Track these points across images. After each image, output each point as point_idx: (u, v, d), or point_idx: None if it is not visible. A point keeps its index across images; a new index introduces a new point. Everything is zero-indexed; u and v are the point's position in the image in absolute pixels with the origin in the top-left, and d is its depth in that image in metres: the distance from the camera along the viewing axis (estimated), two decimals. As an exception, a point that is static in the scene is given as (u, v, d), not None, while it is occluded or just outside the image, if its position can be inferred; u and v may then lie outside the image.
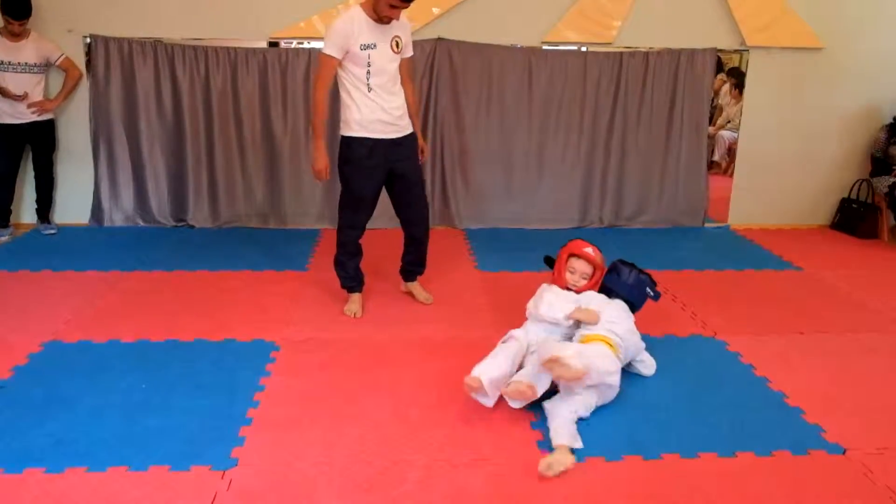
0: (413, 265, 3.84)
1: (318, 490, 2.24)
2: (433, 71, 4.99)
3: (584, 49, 5.13)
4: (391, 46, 3.35)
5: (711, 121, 5.47)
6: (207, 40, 4.90)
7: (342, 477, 2.31)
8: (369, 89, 3.33)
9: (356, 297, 3.72)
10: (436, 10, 4.91)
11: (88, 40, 4.85)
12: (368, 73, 3.31)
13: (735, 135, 5.52)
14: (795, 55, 5.21)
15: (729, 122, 7.27)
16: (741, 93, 6.47)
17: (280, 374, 2.98)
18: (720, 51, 5.24)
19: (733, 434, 2.60)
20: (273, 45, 4.98)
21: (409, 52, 3.51)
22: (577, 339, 2.87)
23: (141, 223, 5.16)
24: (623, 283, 3.07)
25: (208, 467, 2.33)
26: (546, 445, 2.48)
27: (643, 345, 3.02)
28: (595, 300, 2.98)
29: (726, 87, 7.40)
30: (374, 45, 3.29)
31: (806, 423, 2.69)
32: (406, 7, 3.24)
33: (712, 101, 5.41)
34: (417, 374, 2.98)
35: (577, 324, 2.96)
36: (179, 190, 5.15)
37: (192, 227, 5.15)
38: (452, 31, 4.94)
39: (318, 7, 4.87)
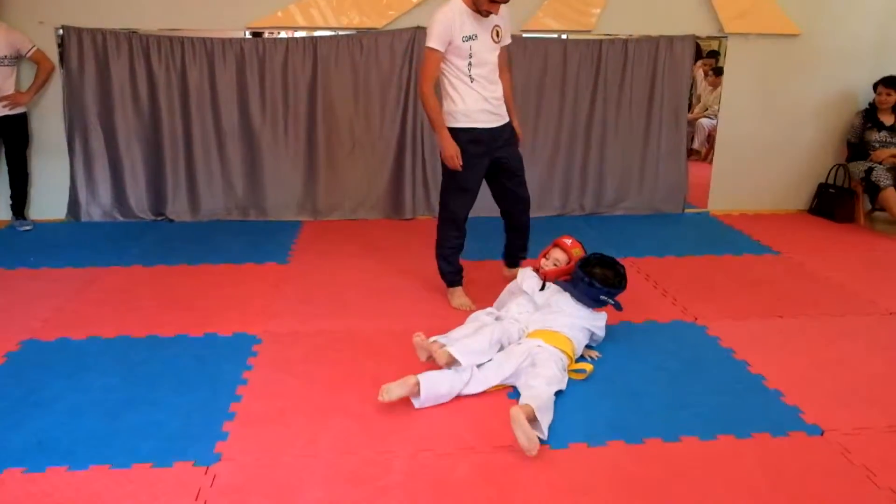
0: (519, 250, 3.85)
1: (303, 483, 2.24)
2: (412, 60, 4.97)
3: (563, 37, 5.13)
4: (492, 36, 3.37)
5: (690, 108, 5.50)
6: (183, 31, 4.84)
7: (327, 469, 2.31)
8: (472, 80, 3.35)
9: (460, 290, 3.70)
10: (414, -1, 4.88)
11: (60, 32, 4.77)
12: (470, 64, 3.33)
13: (714, 122, 5.56)
14: (773, 41, 5.24)
15: (707, 109, 7.33)
16: (718, 77, 6.50)
17: (263, 367, 2.97)
18: (699, 38, 5.26)
19: (714, 417, 2.63)
20: (254, 35, 4.94)
21: (507, 41, 3.51)
22: (540, 326, 2.95)
23: (119, 218, 5.10)
24: (577, 291, 3.05)
25: (191, 463, 2.32)
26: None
27: (599, 331, 3.10)
28: (555, 297, 3.10)
29: (701, 73, 7.44)
30: (476, 37, 3.31)
31: (785, 405, 2.73)
32: (506, 2, 3.26)
33: (691, 87, 5.44)
34: (401, 366, 2.96)
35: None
36: (158, 183, 5.09)
37: (172, 220, 5.10)
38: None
39: (295, -4, 4.83)
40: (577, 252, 3.23)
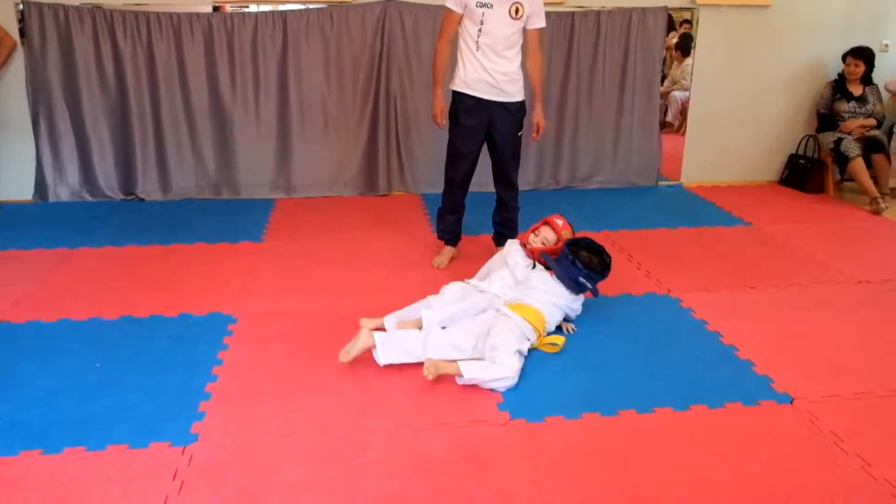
0: (502, 227, 3.87)
1: (280, 461, 2.24)
2: (384, 34, 4.91)
3: (536, 9, 5.09)
4: (510, 11, 3.40)
5: (661, 81, 5.51)
6: (149, 5, 4.72)
7: (304, 447, 2.31)
8: (477, 48, 3.43)
9: (447, 249, 3.87)
10: (385, -28, 4.81)
11: (21, 7, 4.63)
12: (480, 31, 3.40)
13: (687, 94, 5.58)
14: (744, 13, 5.25)
15: (675, 83, 7.35)
16: (683, 55, 6.52)
17: (238, 346, 2.96)
18: (671, 9, 5.25)
19: (687, 388, 2.67)
20: (215, 9, 4.84)
21: (536, 24, 3.53)
22: (514, 300, 2.99)
23: (88, 198, 5.01)
24: (560, 268, 3.06)
25: (168, 444, 2.31)
26: (505, 407, 2.52)
27: (572, 313, 3.13)
28: (535, 273, 3.13)
29: (669, 47, 7.42)
30: (491, 6, 3.37)
31: (756, 374, 2.78)
32: None
33: (664, 59, 5.45)
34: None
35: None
36: (127, 162, 5.00)
37: (143, 200, 5.02)
38: (402, -8, 4.86)
39: (263, -31, 4.73)
40: (567, 234, 3.25)
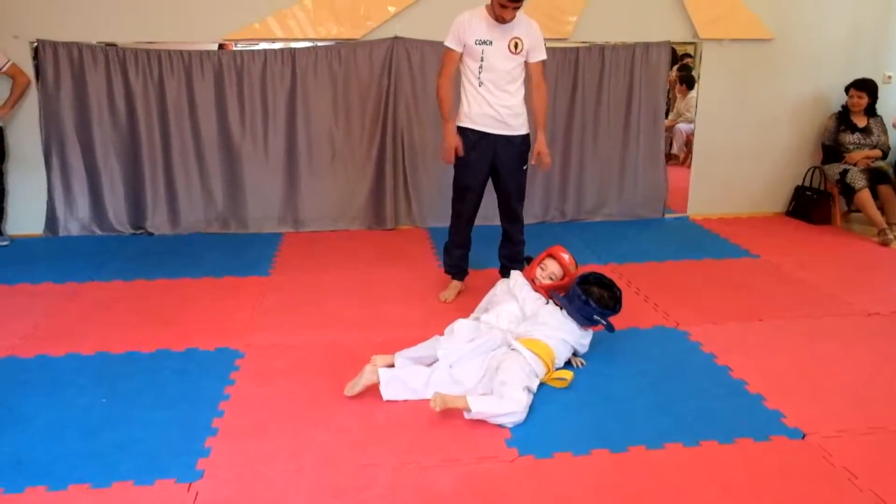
0: (509, 261, 3.86)
1: (286, 498, 2.22)
2: (391, 70, 4.97)
3: (540, 45, 5.15)
4: (509, 46, 3.46)
5: (666, 114, 5.55)
6: (160, 43, 4.81)
7: (311, 483, 2.29)
8: (480, 84, 3.49)
9: (454, 283, 3.89)
10: (391, 9, 4.89)
11: (36, 45, 4.72)
12: (481, 67, 3.46)
13: (692, 126, 5.61)
14: (746, 46, 5.31)
15: (680, 115, 7.39)
16: (688, 87, 6.59)
17: (245, 381, 2.95)
18: (674, 43, 5.32)
19: (697, 423, 2.64)
20: (221, 47, 4.92)
21: (538, 57, 3.58)
22: (521, 336, 2.96)
23: (98, 232, 5.05)
24: (571, 307, 3.03)
25: (173, 480, 2.29)
26: (514, 443, 2.50)
27: (581, 349, 3.10)
28: (544, 308, 3.12)
29: (673, 80, 7.51)
30: (490, 42, 3.44)
31: (766, 409, 2.75)
32: (516, 6, 3.35)
33: (668, 92, 5.49)
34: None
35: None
36: (137, 196, 5.05)
37: (151, 234, 5.06)
38: (409, 29, 4.93)
39: (273, 8, 4.81)
40: (573, 268, 3.25)
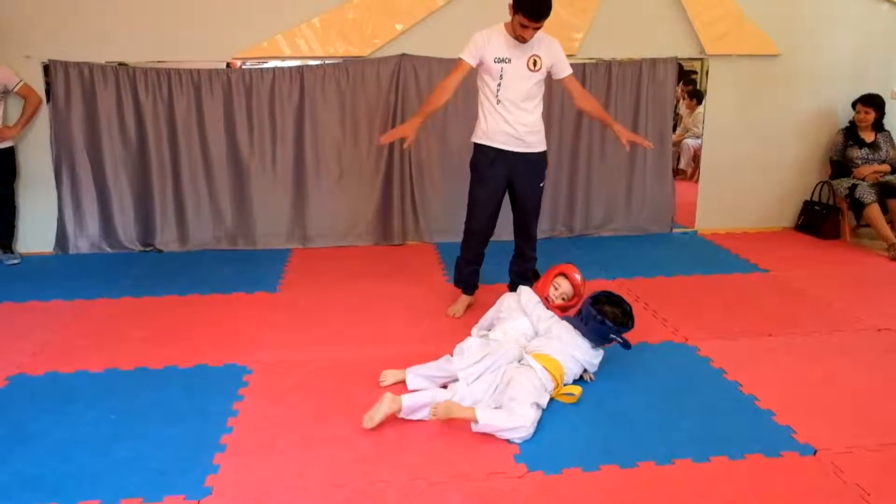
0: (519, 277, 3.85)
1: (294, 515, 2.22)
2: (398, 87, 5.01)
3: (547, 61, 5.18)
4: (528, 64, 3.47)
5: (674, 129, 5.56)
6: (169, 62, 4.86)
7: (318, 500, 2.29)
8: (498, 102, 3.50)
9: (464, 298, 3.88)
10: (398, 27, 4.93)
11: (47, 65, 4.78)
12: (499, 85, 3.47)
13: (699, 142, 5.62)
14: (753, 62, 5.31)
15: (688, 130, 7.41)
16: (697, 102, 6.60)
17: (253, 398, 2.95)
18: (681, 59, 5.33)
19: (707, 439, 2.62)
20: (229, 65, 4.97)
21: (564, 72, 3.60)
22: (532, 351, 2.95)
23: (107, 249, 5.08)
24: (586, 328, 3.01)
25: (182, 497, 2.29)
26: (522, 459, 2.49)
27: (591, 367, 3.07)
28: (556, 325, 3.10)
29: (679, 95, 7.54)
30: (509, 60, 3.45)
31: (777, 425, 2.73)
32: (537, 27, 3.35)
33: (675, 108, 5.51)
34: (392, 394, 2.96)
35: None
36: (146, 214, 5.09)
37: (160, 251, 5.09)
38: (416, 47, 4.97)
39: (281, 26, 4.86)
40: (583, 289, 3.25)
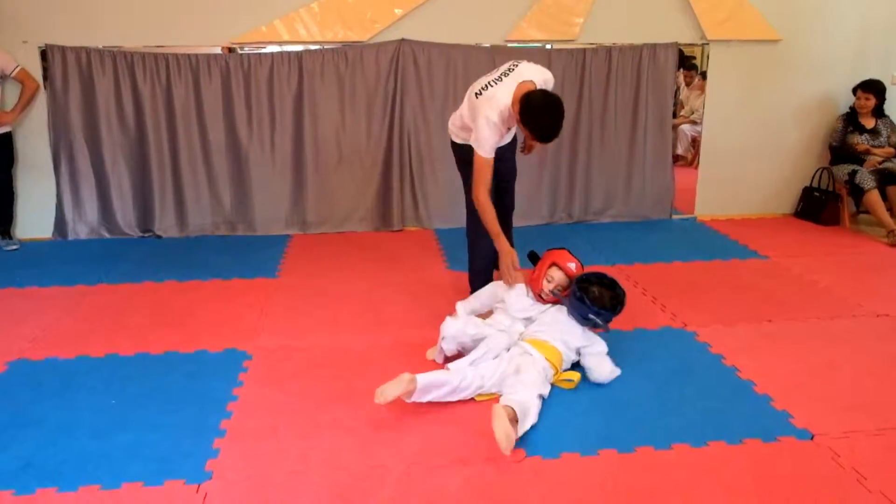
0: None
1: (294, 499, 2.23)
2: (398, 72, 4.99)
3: (547, 46, 5.16)
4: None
5: (675, 114, 5.55)
6: (168, 47, 4.84)
7: (319, 485, 2.30)
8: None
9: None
10: (398, 12, 4.90)
11: (44, 50, 4.75)
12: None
13: (697, 128, 5.60)
14: (754, 47, 5.29)
15: (693, 112, 7.34)
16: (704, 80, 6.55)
17: (253, 383, 2.96)
18: (681, 45, 5.31)
19: (705, 424, 2.64)
20: (232, 50, 4.95)
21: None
22: (531, 336, 2.96)
23: (106, 235, 5.08)
24: (568, 303, 3.00)
25: (182, 481, 2.31)
26: (521, 444, 2.50)
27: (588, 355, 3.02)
28: (551, 311, 3.09)
29: (683, 79, 7.49)
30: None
31: (775, 410, 2.74)
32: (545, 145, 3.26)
33: (676, 94, 5.49)
34: (391, 379, 2.95)
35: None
36: (145, 200, 5.08)
37: (160, 237, 5.09)
38: (416, 32, 4.95)
39: (280, 11, 4.83)
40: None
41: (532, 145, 3.59)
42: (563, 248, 3.21)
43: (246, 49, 4.96)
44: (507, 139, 3.45)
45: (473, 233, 3.56)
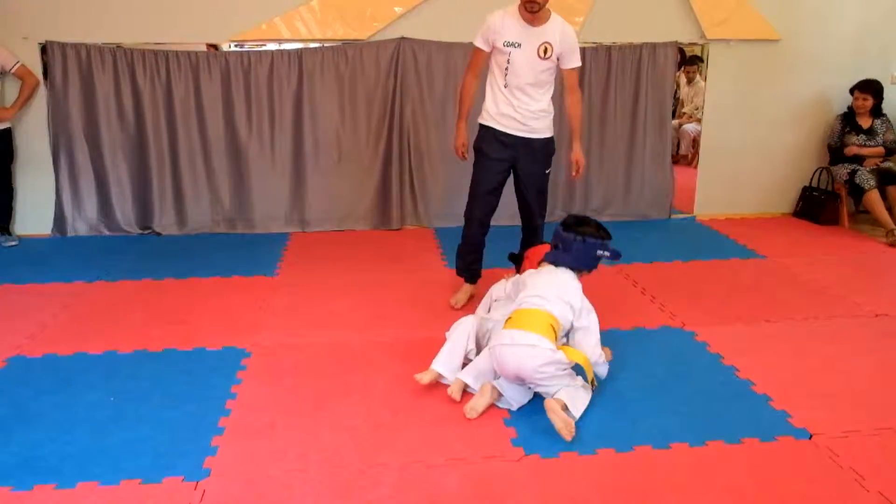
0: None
1: (292, 497, 2.23)
2: (398, 70, 4.98)
3: (547, 45, 5.15)
4: (538, 52, 3.38)
5: (675, 113, 5.54)
6: (168, 44, 4.83)
7: (317, 483, 2.30)
8: (505, 85, 3.44)
9: (466, 287, 3.81)
10: (398, 10, 4.90)
11: (44, 46, 4.75)
12: (507, 69, 3.41)
13: (699, 127, 5.60)
14: (753, 47, 5.29)
15: (697, 109, 7.31)
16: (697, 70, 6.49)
17: (251, 381, 2.96)
18: (681, 44, 5.31)
19: (703, 423, 2.64)
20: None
21: (570, 64, 3.50)
22: (520, 306, 2.84)
23: (105, 232, 5.07)
24: (570, 255, 2.89)
25: (181, 479, 2.31)
26: (519, 442, 2.50)
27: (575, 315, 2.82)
28: (533, 278, 2.91)
29: (684, 79, 7.48)
30: (519, 45, 3.37)
31: (773, 409, 2.74)
32: (536, 10, 3.28)
33: (675, 93, 5.49)
34: (389, 377, 2.98)
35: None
36: (144, 197, 5.08)
37: (159, 234, 5.08)
38: (416, 30, 4.94)
39: (280, 9, 4.82)
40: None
41: (577, 161, 3.66)
42: (544, 243, 3.16)
43: (246, 46, 4.95)
44: (519, 40, 3.37)
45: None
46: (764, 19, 5.21)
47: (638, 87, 5.28)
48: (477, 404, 2.66)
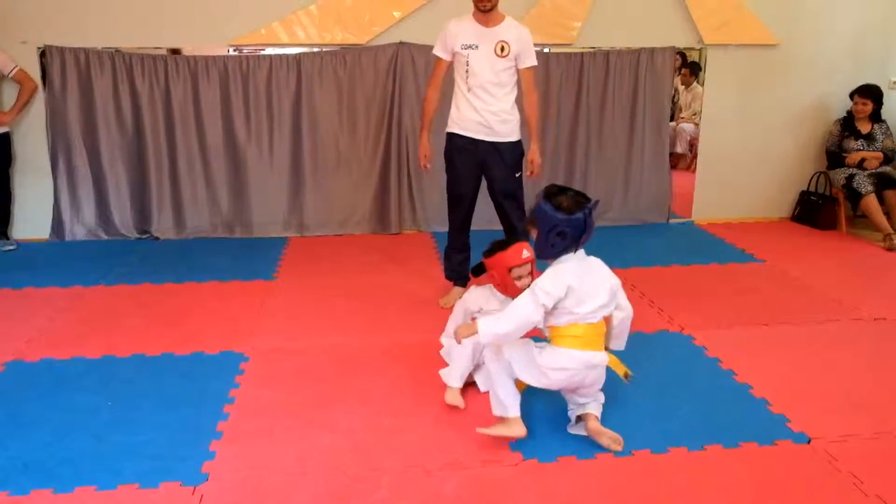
0: None
1: (291, 501, 2.22)
2: (396, 75, 4.99)
3: (545, 50, 5.17)
4: (495, 49, 3.43)
5: (673, 117, 5.55)
6: (166, 49, 4.84)
7: (316, 487, 2.29)
8: (468, 89, 3.49)
9: (455, 289, 3.84)
10: (397, 14, 4.91)
11: (43, 51, 4.75)
12: (467, 72, 3.46)
13: (696, 128, 5.61)
14: (751, 52, 5.30)
15: (696, 114, 7.32)
16: (693, 75, 6.52)
17: (250, 385, 2.95)
18: (679, 49, 5.32)
19: (702, 428, 2.64)
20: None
21: (526, 62, 3.52)
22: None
23: (103, 236, 5.07)
24: (586, 233, 2.61)
25: (178, 483, 2.30)
26: (518, 447, 2.50)
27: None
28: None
29: (681, 80, 7.46)
30: (476, 46, 3.44)
31: (771, 413, 2.74)
32: (489, 8, 3.35)
33: (673, 98, 5.50)
34: (388, 381, 2.97)
35: None
36: (142, 201, 5.08)
37: (157, 238, 5.08)
38: (414, 35, 4.95)
39: (279, 13, 4.83)
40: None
41: (533, 162, 3.71)
42: (500, 250, 2.85)
43: (245, 51, 4.96)
44: (472, 40, 3.43)
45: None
46: (762, 24, 5.23)
47: (636, 92, 5.29)
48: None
